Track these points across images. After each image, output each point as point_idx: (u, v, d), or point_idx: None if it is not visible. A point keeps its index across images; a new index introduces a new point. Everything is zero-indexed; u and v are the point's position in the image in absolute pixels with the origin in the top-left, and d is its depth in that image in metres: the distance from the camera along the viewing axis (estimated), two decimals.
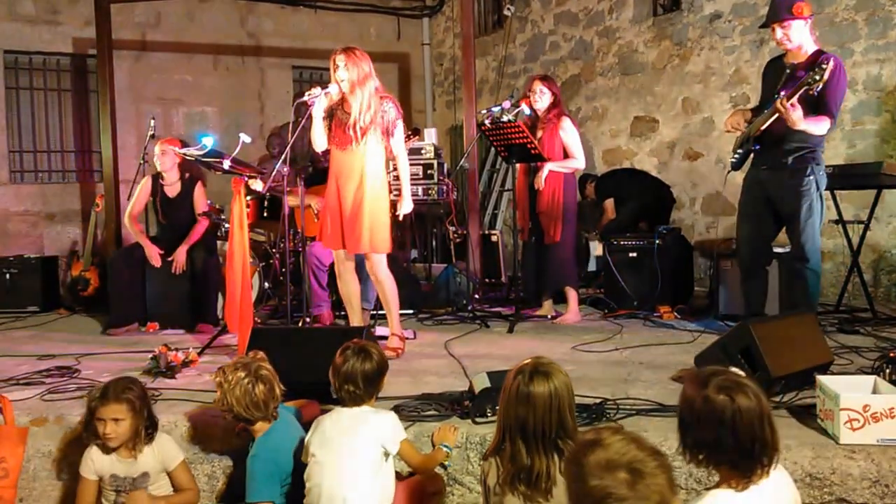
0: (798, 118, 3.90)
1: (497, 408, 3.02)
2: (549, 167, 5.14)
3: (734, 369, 2.09)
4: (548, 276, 5.37)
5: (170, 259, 5.48)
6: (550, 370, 2.25)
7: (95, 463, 2.93)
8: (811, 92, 3.90)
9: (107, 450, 2.90)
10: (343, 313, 5.00)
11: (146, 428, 2.92)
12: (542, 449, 2.18)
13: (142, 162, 5.93)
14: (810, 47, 4.18)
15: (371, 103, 4.24)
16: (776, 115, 3.98)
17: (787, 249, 4.52)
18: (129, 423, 2.85)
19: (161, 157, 5.54)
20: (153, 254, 5.46)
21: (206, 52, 8.60)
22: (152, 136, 6.01)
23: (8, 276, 6.63)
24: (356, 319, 4.59)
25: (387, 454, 2.69)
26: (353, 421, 2.70)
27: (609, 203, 6.72)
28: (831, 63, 3.87)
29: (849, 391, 2.77)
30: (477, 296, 6.00)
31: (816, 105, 4.01)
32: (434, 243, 7.04)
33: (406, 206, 4.49)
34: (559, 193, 5.23)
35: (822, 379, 2.94)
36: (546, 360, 2.32)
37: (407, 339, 4.85)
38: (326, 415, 2.81)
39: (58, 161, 8.18)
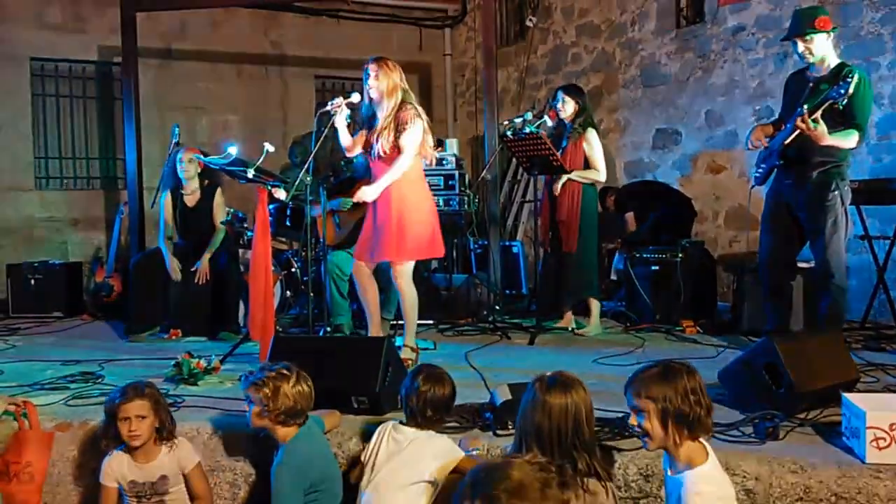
0: (822, 133, 3.87)
1: (515, 419, 3.06)
2: (567, 176, 5.14)
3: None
4: (570, 286, 5.35)
5: (192, 269, 5.51)
6: (570, 383, 2.30)
7: (115, 470, 2.97)
8: (836, 106, 3.87)
9: (129, 450, 2.95)
10: (364, 322, 5.02)
11: (165, 426, 2.98)
12: (558, 457, 2.21)
13: (166, 169, 5.99)
14: (833, 60, 4.16)
15: (392, 113, 4.28)
16: (797, 131, 3.96)
17: (812, 265, 4.48)
18: (151, 421, 2.92)
19: (187, 166, 5.60)
20: (173, 267, 5.51)
21: (230, 62, 8.66)
22: (176, 144, 6.07)
23: (33, 281, 6.72)
24: (375, 329, 4.60)
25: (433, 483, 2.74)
26: (426, 449, 2.75)
27: (630, 216, 6.71)
28: (855, 76, 3.85)
29: (875, 409, 2.73)
30: (497, 307, 5.99)
31: (843, 118, 3.98)
32: (455, 253, 7.04)
33: (368, 193, 4.27)
34: (579, 203, 5.22)
35: (847, 396, 2.91)
36: (569, 374, 2.36)
37: (428, 349, 4.86)
38: (393, 426, 2.88)
39: (82, 168, 8.27)
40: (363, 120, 4.41)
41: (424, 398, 2.81)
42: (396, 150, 4.26)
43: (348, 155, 4.52)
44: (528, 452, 2.23)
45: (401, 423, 2.89)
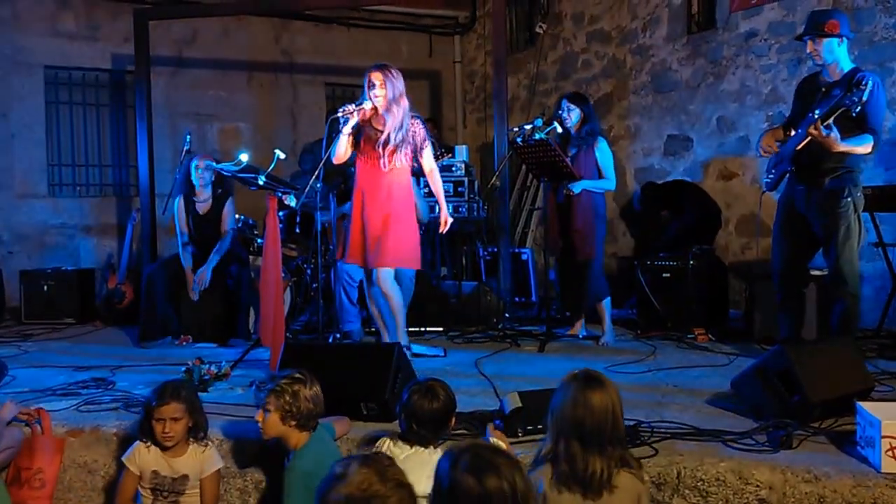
0: (835, 140, 3.85)
1: (525, 427, 3.04)
2: (584, 184, 5.13)
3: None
4: (586, 293, 5.32)
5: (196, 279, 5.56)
6: (605, 380, 2.39)
7: (140, 456, 3.01)
8: (850, 113, 3.85)
9: (163, 448, 2.99)
10: (374, 329, 5.02)
11: (199, 427, 3.02)
12: (598, 451, 2.29)
13: (177, 176, 6.01)
14: (846, 65, 4.13)
15: (403, 122, 4.31)
16: (809, 138, 3.93)
17: (825, 272, 4.44)
18: (185, 422, 2.97)
19: (203, 172, 5.62)
20: (193, 288, 5.56)
21: (241, 69, 8.70)
22: (188, 152, 6.09)
23: (45, 288, 6.74)
24: (387, 336, 4.60)
25: None
26: (422, 468, 2.70)
27: (666, 215, 6.73)
28: (869, 83, 3.82)
29: (890, 418, 2.70)
30: (507, 314, 5.97)
31: (856, 124, 3.95)
32: (464, 261, 7.03)
33: (447, 222, 4.59)
34: (592, 211, 5.21)
35: (862, 405, 2.89)
36: (596, 371, 2.45)
37: (436, 356, 4.85)
38: (392, 441, 2.86)
39: (95, 175, 8.31)
40: (356, 126, 4.40)
41: (412, 412, 2.78)
42: (413, 164, 4.42)
43: (335, 163, 4.51)
44: (567, 449, 2.30)
45: (399, 436, 2.88)
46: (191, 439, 3.02)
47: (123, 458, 3.05)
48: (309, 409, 2.84)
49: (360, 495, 1.67)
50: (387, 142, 4.31)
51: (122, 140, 8.33)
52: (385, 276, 4.44)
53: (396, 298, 4.49)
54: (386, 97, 4.27)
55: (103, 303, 6.70)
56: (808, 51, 4.14)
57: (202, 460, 3.02)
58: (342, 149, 4.40)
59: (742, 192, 6.61)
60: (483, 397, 3.76)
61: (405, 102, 4.33)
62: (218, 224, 5.70)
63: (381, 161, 4.34)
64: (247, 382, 4.05)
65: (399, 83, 4.31)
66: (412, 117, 4.39)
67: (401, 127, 4.31)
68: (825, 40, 4.05)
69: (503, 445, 2.81)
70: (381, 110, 4.33)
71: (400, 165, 4.39)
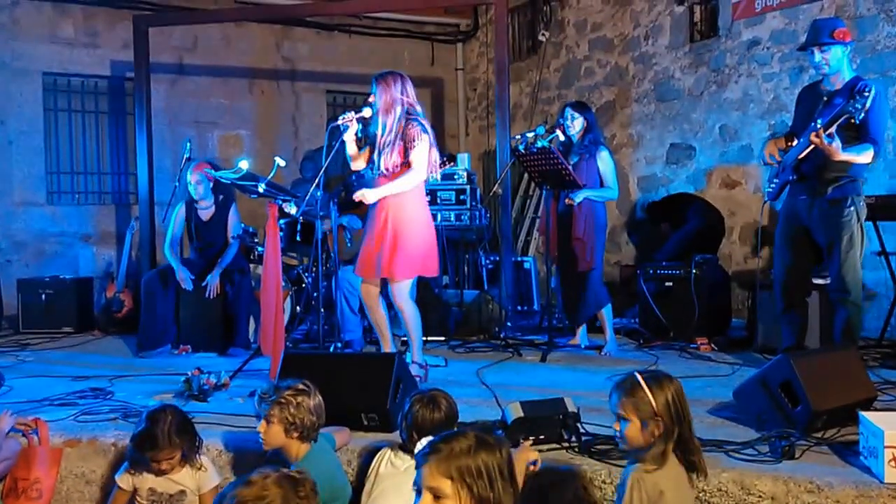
0: (837, 148, 3.84)
1: (527, 437, 3.00)
2: (585, 192, 5.11)
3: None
4: (585, 302, 5.30)
5: (203, 283, 5.52)
6: None
7: (136, 473, 2.96)
8: (852, 120, 3.84)
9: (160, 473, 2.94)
10: (375, 338, 4.99)
11: (192, 448, 2.96)
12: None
13: (176, 184, 5.99)
14: (848, 74, 4.13)
15: (393, 127, 4.26)
16: (812, 146, 3.92)
17: (827, 281, 4.43)
18: (181, 453, 2.91)
19: (197, 187, 5.58)
20: (183, 277, 5.51)
21: (242, 76, 8.70)
22: (188, 159, 6.07)
23: (43, 296, 6.68)
24: (387, 346, 4.57)
25: None
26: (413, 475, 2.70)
27: (667, 227, 6.71)
28: (872, 90, 3.82)
29: (893, 428, 2.68)
30: (509, 323, 5.94)
31: (858, 133, 3.94)
32: (466, 269, 7.01)
33: (369, 195, 4.24)
34: (593, 219, 5.19)
35: (865, 415, 2.87)
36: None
37: (438, 366, 4.82)
38: (393, 451, 2.84)
39: (94, 182, 8.29)
40: (369, 135, 4.41)
41: (414, 422, 2.76)
42: (406, 167, 4.27)
43: (352, 167, 4.52)
44: (690, 439, 2.37)
45: (400, 447, 2.85)
46: (184, 460, 2.96)
47: (116, 477, 2.99)
48: (312, 421, 2.82)
49: (252, 502, 1.72)
50: (380, 150, 4.30)
51: (121, 147, 8.31)
52: (398, 290, 4.32)
53: (409, 313, 4.38)
54: (377, 106, 4.28)
55: (102, 312, 6.68)
56: (816, 60, 4.11)
57: (198, 478, 2.99)
58: (352, 152, 4.44)
59: (745, 201, 6.60)
60: (485, 407, 3.73)
61: (398, 109, 4.27)
62: (221, 231, 5.68)
63: (377, 169, 4.33)
64: (246, 392, 4.03)
65: (392, 91, 4.26)
66: (409, 119, 4.28)
67: (390, 132, 4.27)
68: (833, 48, 4.04)
69: (535, 455, 2.75)
70: (376, 117, 4.33)
71: (396, 172, 4.27)
